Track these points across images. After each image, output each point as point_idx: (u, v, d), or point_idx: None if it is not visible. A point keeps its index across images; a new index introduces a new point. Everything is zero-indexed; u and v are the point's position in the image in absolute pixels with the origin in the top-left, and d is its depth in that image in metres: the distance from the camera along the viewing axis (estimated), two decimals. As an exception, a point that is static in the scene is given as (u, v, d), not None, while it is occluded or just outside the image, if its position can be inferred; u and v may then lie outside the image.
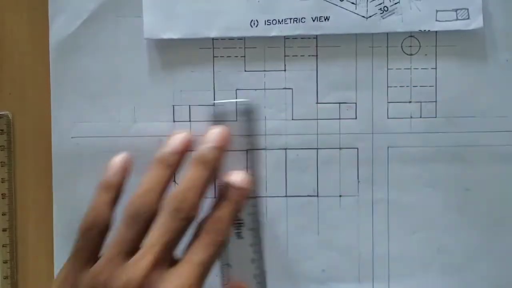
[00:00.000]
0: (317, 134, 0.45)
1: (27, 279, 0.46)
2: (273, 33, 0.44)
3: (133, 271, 0.37)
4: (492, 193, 0.45)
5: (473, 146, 0.45)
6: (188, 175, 0.39)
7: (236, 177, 0.41)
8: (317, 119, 0.45)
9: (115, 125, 0.45)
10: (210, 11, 0.44)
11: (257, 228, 0.43)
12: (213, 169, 0.40)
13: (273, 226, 0.45)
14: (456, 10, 0.44)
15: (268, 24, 0.44)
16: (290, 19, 0.44)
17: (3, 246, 0.45)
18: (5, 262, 0.45)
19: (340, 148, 0.45)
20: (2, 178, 0.45)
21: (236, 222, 0.43)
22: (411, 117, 0.45)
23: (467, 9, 0.44)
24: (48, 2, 0.44)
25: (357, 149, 0.45)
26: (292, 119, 0.45)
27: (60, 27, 0.45)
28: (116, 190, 0.40)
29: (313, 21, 0.44)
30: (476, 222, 0.45)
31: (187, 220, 0.38)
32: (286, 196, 0.45)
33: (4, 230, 0.45)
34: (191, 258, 0.38)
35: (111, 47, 0.45)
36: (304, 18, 0.44)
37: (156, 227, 0.38)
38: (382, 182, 0.45)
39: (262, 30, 0.44)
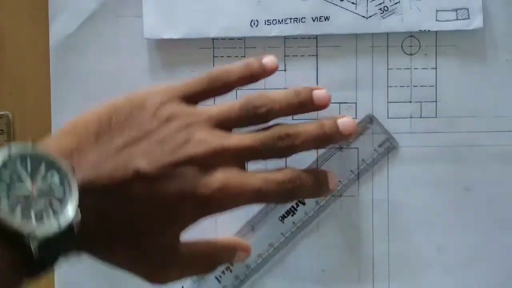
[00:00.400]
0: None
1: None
2: (273, 33, 0.44)
3: (212, 138, 0.37)
4: (492, 193, 0.45)
5: (473, 146, 0.45)
6: (309, 125, 0.40)
7: (332, 178, 0.41)
8: (317, 119, 0.45)
9: (115, 125, 0.45)
10: (210, 11, 0.44)
11: (300, 227, 0.45)
12: (325, 141, 0.41)
13: (273, 226, 0.45)
14: (456, 10, 0.44)
15: (268, 24, 0.44)
16: (290, 19, 0.44)
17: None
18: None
19: (340, 148, 0.45)
20: (2, 178, 0.45)
21: (297, 203, 0.45)
22: (411, 117, 0.45)
23: (467, 9, 0.44)
24: (48, 2, 0.44)
25: (357, 149, 0.45)
26: (292, 119, 0.45)
27: (60, 27, 0.45)
28: (252, 76, 0.40)
29: (313, 21, 0.44)
30: (476, 222, 0.45)
31: (282, 151, 0.39)
32: (286, 196, 0.45)
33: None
34: (257, 178, 0.38)
35: (111, 47, 0.45)
36: (304, 18, 0.44)
37: (260, 132, 0.39)
38: (382, 182, 0.45)
39: (262, 30, 0.44)
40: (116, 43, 0.45)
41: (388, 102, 0.45)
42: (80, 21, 0.45)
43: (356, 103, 0.45)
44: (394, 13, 0.44)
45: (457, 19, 0.44)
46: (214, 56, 0.45)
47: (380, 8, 0.44)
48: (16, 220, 0.30)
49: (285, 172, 0.39)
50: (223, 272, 0.45)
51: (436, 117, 0.45)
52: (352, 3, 0.44)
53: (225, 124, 0.39)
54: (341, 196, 0.45)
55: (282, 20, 0.44)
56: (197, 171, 0.36)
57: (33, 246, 0.30)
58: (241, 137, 0.38)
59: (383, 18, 0.44)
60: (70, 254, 0.35)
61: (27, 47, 0.45)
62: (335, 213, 0.45)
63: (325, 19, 0.44)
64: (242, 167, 0.38)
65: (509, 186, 0.45)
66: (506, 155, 0.45)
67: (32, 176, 0.32)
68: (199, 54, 0.45)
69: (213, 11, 0.44)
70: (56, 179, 0.32)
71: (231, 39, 0.45)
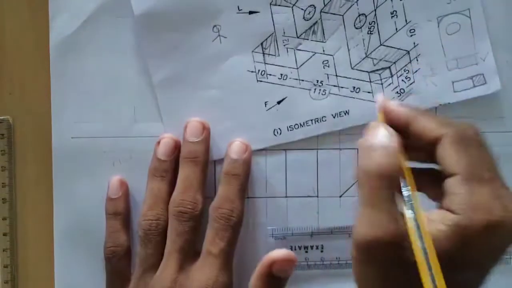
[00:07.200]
0: (317, 134, 0.45)
1: (27, 283, 0.46)
2: (297, 137, 0.44)
3: (160, 282, 0.40)
4: (492, 193, 0.45)
5: (473, 146, 0.45)
6: (182, 176, 0.42)
7: (233, 148, 0.43)
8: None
9: (115, 125, 0.45)
10: (233, 129, 0.44)
11: None
12: (203, 165, 0.42)
13: (273, 226, 0.45)
14: (472, 78, 0.44)
15: (291, 130, 0.44)
16: (311, 120, 0.44)
17: (3, 250, 0.45)
18: (5, 266, 0.45)
19: (340, 148, 0.45)
20: (2, 183, 0.45)
21: None
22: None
23: (482, 74, 0.44)
24: (48, 2, 0.44)
25: (357, 149, 0.45)
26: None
27: (60, 27, 0.44)
28: (123, 214, 0.44)
29: (334, 117, 0.44)
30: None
31: (193, 220, 0.41)
32: (286, 196, 0.45)
33: (4, 234, 0.45)
34: (209, 250, 0.40)
35: (111, 47, 0.45)
36: (325, 116, 0.44)
37: (169, 235, 0.41)
38: (382, 182, 0.45)
39: (285, 137, 0.44)
40: (116, 43, 0.45)
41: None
42: (80, 21, 0.44)
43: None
44: (411, 93, 0.44)
45: (474, 86, 0.44)
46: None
47: (397, 92, 0.44)
48: None
49: (213, 212, 0.42)
50: None
51: (436, 117, 0.45)
52: (368, 92, 0.44)
53: (153, 263, 0.42)
54: (340, 196, 0.45)
55: (304, 123, 0.44)
56: None
57: None
58: (168, 254, 0.41)
59: (402, 100, 0.44)
60: None
61: (27, 47, 0.45)
62: (335, 213, 0.45)
63: (345, 113, 0.44)
64: (197, 257, 0.42)
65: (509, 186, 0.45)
66: (506, 155, 0.45)
67: None
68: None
69: (237, 129, 0.44)
70: None
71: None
